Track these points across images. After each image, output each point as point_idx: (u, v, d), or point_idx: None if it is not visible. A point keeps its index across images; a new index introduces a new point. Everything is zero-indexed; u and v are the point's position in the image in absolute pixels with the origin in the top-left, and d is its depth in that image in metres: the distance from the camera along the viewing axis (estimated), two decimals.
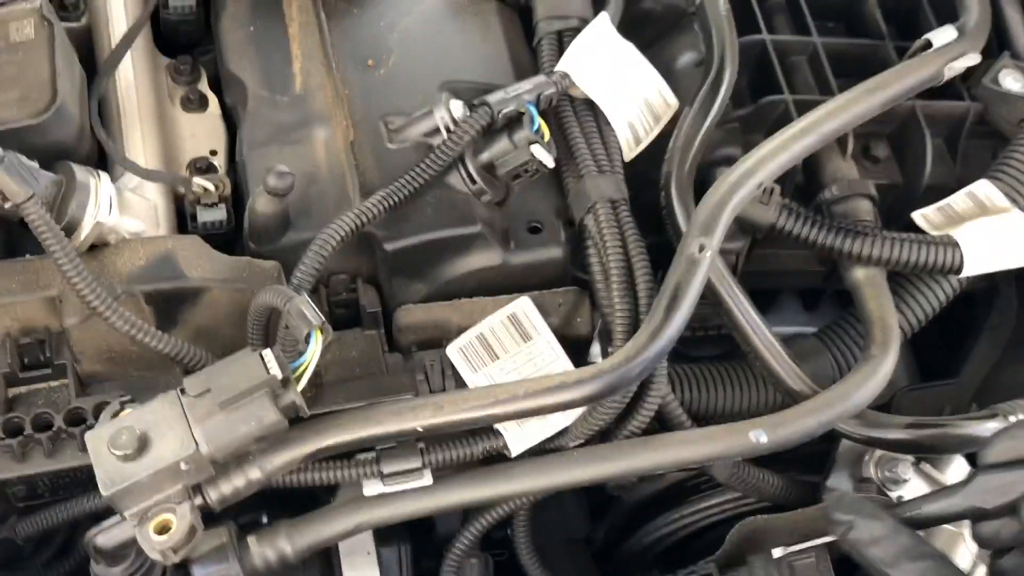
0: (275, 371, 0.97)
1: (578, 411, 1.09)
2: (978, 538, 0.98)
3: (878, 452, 1.19)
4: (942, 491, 1.01)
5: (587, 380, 1.03)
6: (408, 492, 1.07)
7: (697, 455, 1.09)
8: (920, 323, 1.24)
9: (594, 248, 1.12)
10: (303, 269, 1.04)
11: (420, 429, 1.02)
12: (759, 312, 1.17)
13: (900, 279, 1.24)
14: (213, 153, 1.17)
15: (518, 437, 1.08)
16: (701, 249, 1.07)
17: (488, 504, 1.13)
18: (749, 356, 1.16)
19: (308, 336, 0.98)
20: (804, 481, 1.23)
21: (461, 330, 1.12)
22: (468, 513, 1.17)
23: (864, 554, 0.97)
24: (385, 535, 1.22)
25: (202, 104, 1.20)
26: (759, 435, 1.09)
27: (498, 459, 1.10)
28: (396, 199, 1.08)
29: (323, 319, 0.98)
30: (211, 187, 1.11)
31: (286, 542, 1.05)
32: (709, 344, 1.27)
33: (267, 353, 0.97)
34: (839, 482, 1.20)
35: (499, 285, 1.13)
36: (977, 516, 0.97)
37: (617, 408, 1.09)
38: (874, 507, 0.99)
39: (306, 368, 0.98)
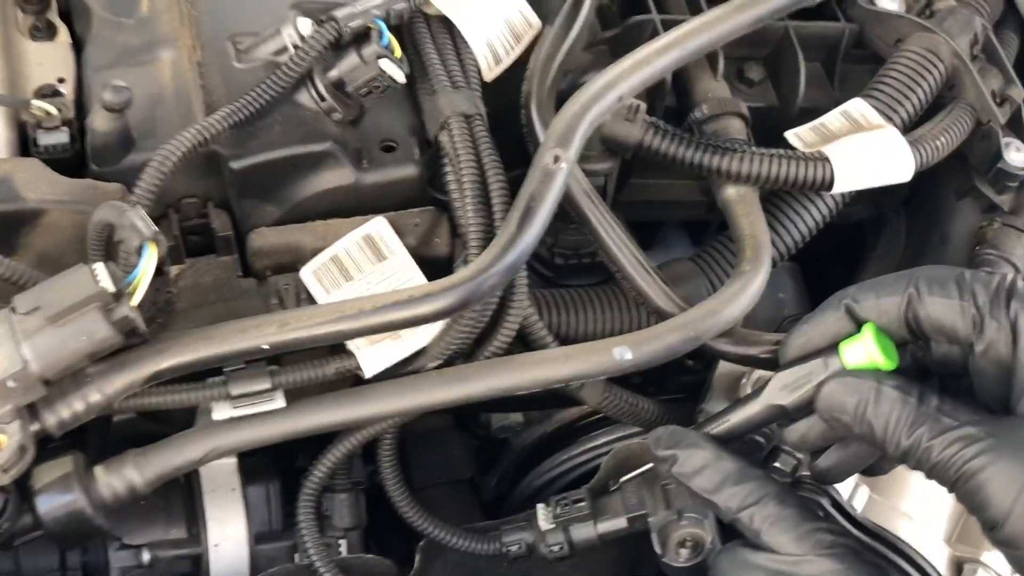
0: (106, 284, 0.94)
1: (435, 331, 1.07)
2: (789, 444, 0.96)
3: (756, 374, 1.16)
4: (744, 398, 0.98)
5: (437, 294, 1.00)
6: (260, 416, 1.04)
7: (559, 374, 1.06)
8: (796, 244, 1.22)
9: (450, 166, 1.10)
10: (142, 186, 1.01)
11: (266, 347, 0.99)
12: (629, 233, 1.14)
13: (775, 201, 1.22)
14: (61, 81, 1.13)
15: (371, 358, 1.05)
16: (556, 160, 1.05)
17: (347, 429, 1.10)
18: (617, 276, 1.14)
19: (142, 249, 0.95)
20: (682, 406, 1.21)
21: (316, 252, 1.09)
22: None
23: (690, 485, 0.94)
24: (253, 472, 1.19)
25: (51, 33, 1.17)
26: (623, 352, 1.06)
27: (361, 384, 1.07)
28: (241, 116, 1.05)
29: (156, 230, 0.95)
30: (52, 110, 1.07)
31: (134, 471, 1.02)
32: (584, 273, 1.24)
33: (98, 266, 0.94)
34: (716, 406, 1.17)
35: (354, 206, 1.10)
36: (782, 418, 0.95)
37: (474, 326, 1.06)
38: (695, 436, 0.96)
39: (139, 282, 0.95)
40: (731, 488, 0.92)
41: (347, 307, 1.00)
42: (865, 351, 0.89)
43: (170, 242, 1.08)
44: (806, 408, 0.93)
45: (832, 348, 0.92)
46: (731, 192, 1.16)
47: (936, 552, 1.17)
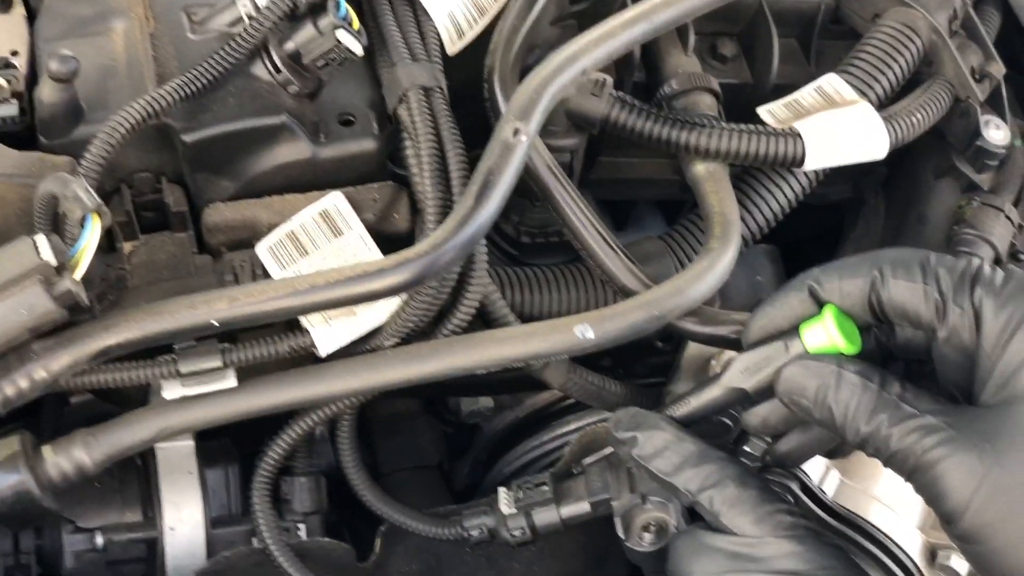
0: (48, 257, 0.91)
1: (392, 308, 1.04)
2: (750, 429, 0.93)
3: (725, 355, 1.14)
4: (706, 381, 0.95)
5: (390, 269, 0.97)
6: (211, 395, 1.01)
7: (518, 352, 1.03)
8: (768, 223, 1.19)
9: (409, 140, 1.07)
10: (89, 158, 0.98)
11: (215, 323, 0.97)
12: (595, 210, 1.12)
13: (746, 179, 1.19)
14: (14, 54, 1.11)
15: (326, 336, 1.03)
16: (516, 133, 1.02)
17: (302, 408, 1.07)
18: (582, 254, 1.11)
19: (85, 221, 0.93)
20: (652, 389, 1.18)
21: (272, 228, 1.06)
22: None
23: (649, 468, 0.92)
24: (212, 455, 1.17)
25: (5, 6, 1.14)
26: (584, 330, 1.04)
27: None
28: (193, 88, 1.02)
29: (100, 202, 0.93)
30: (3, 83, 1.05)
31: (83, 451, 0.99)
32: (551, 252, 1.22)
33: (39, 238, 0.92)
34: (685, 388, 1.14)
35: (311, 181, 1.08)
36: (744, 401, 0.92)
37: (432, 302, 1.04)
38: (656, 418, 0.94)
39: (83, 254, 0.93)
40: (691, 470, 0.90)
41: (299, 283, 0.97)
42: (826, 334, 0.86)
43: (122, 218, 1.06)
44: (767, 392, 0.91)
45: (794, 330, 0.89)
46: (700, 169, 1.14)
47: (909, 539, 1.15)
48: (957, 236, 1.23)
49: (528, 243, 1.22)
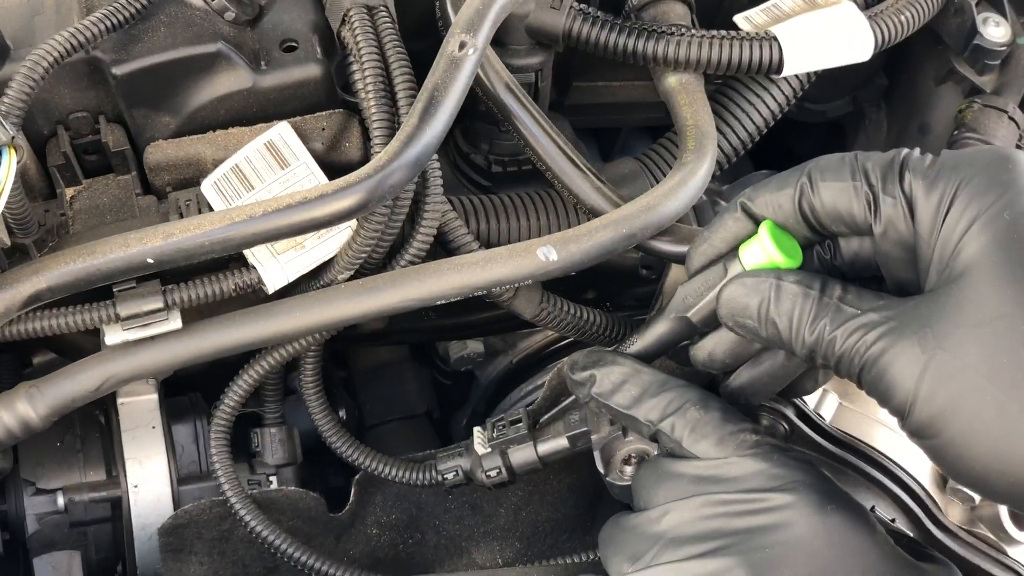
0: None
1: (343, 240, 0.99)
2: (698, 364, 0.88)
3: None
4: (652, 316, 0.90)
5: (332, 194, 0.92)
6: (157, 339, 0.97)
7: (478, 279, 0.97)
8: (751, 137, 1.12)
9: (355, 63, 1.01)
10: (11, 95, 0.93)
11: (151, 261, 0.91)
12: (560, 131, 1.05)
13: (724, 91, 1.12)
14: None
15: (274, 271, 0.98)
16: (463, 47, 0.96)
17: (256, 349, 1.02)
18: (547, 176, 1.05)
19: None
20: (628, 318, 1.11)
21: (217, 164, 1.01)
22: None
23: (609, 405, 0.87)
24: (180, 410, 1.12)
25: None
26: (547, 252, 0.98)
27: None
28: (120, 17, 0.97)
29: (13, 136, 0.88)
30: None
31: (27, 405, 0.95)
32: (525, 181, 1.15)
33: None
34: None
35: (256, 112, 1.02)
36: (692, 333, 0.88)
37: (384, 230, 0.98)
38: (612, 355, 0.89)
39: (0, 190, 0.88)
40: (651, 400, 0.85)
41: (236, 213, 0.92)
42: (763, 250, 0.81)
43: (61, 161, 1.01)
44: (713, 321, 0.86)
45: (733, 252, 0.84)
46: (672, 81, 1.07)
47: (918, 463, 1.08)
48: (958, 142, 1.15)
49: (500, 172, 1.16)
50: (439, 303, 0.98)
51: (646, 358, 0.90)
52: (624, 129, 1.32)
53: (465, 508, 1.12)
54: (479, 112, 1.13)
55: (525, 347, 1.30)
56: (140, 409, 1.09)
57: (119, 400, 1.09)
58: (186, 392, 1.15)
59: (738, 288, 0.80)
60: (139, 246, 0.91)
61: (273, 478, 1.10)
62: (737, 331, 0.82)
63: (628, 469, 0.97)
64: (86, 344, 1.05)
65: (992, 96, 1.17)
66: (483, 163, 1.16)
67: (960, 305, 0.71)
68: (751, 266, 0.82)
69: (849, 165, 0.78)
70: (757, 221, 0.82)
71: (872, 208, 0.76)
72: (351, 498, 1.09)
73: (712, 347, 0.86)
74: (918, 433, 0.72)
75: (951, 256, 0.73)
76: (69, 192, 1.03)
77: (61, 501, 1.06)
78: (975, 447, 0.70)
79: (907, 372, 0.71)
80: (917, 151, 0.77)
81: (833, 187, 0.78)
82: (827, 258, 0.82)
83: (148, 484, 1.07)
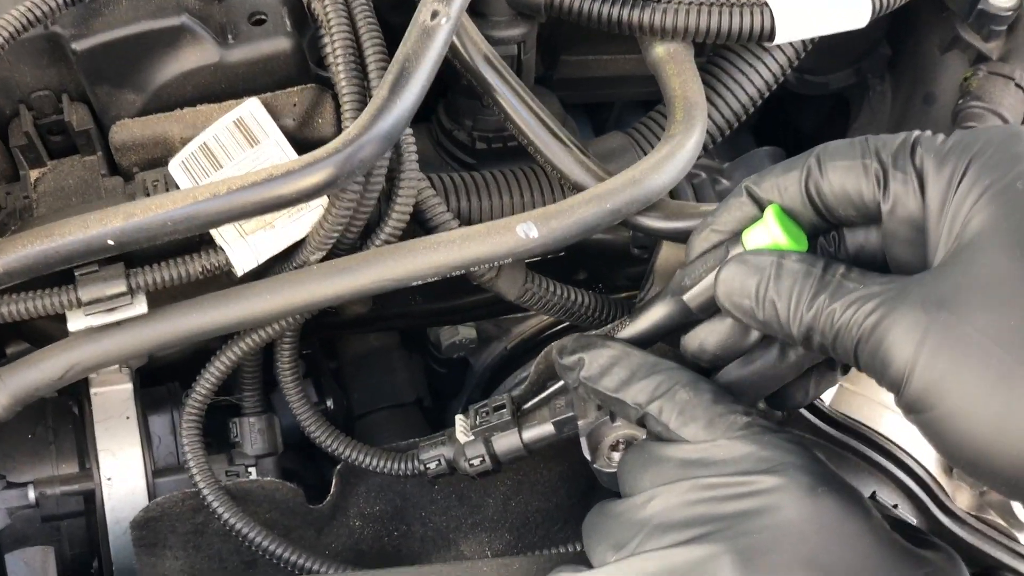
0: None
1: (314, 219, 0.95)
2: (689, 354, 0.83)
3: None
4: (650, 300, 0.86)
5: (299, 170, 0.88)
6: (122, 324, 0.93)
7: (456, 258, 0.93)
8: (744, 109, 1.08)
9: (327, 36, 0.97)
10: None
11: (111, 243, 0.88)
12: (543, 106, 1.01)
13: (715, 62, 1.08)
14: None
15: (243, 252, 0.94)
16: (435, 15, 0.92)
17: (228, 335, 0.98)
18: (529, 151, 1.01)
19: None
20: (620, 299, 1.07)
21: (185, 143, 0.97)
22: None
23: (597, 389, 0.83)
24: (156, 400, 1.09)
25: None
26: (528, 229, 0.93)
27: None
28: None
29: None
30: None
31: None
32: (510, 158, 1.11)
33: None
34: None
35: (224, 88, 0.98)
36: (689, 319, 0.83)
37: (357, 208, 0.94)
38: (600, 339, 0.85)
39: None
40: (639, 383, 0.81)
41: (199, 192, 0.88)
42: (768, 233, 0.77)
43: (23, 141, 0.97)
44: (710, 306, 0.82)
45: (736, 237, 0.80)
46: (660, 51, 1.03)
47: (924, 447, 1.03)
48: (962, 110, 1.10)
49: (484, 150, 1.11)
50: (416, 283, 0.94)
51: (639, 344, 0.86)
52: (617, 104, 1.28)
53: (452, 498, 1.07)
54: (461, 87, 1.09)
55: (519, 333, 1.26)
56: (114, 399, 1.05)
57: (92, 390, 1.05)
58: (164, 382, 1.11)
59: (738, 266, 0.76)
60: (99, 227, 0.87)
61: (252, 469, 1.06)
62: (734, 314, 0.78)
63: (616, 455, 0.93)
64: (56, 332, 1.01)
65: (998, 63, 1.12)
66: (467, 140, 1.12)
67: (967, 269, 0.67)
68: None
69: (859, 146, 0.75)
70: (762, 207, 0.79)
71: (881, 185, 0.73)
72: (332, 489, 1.05)
73: (704, 336, 0.82)
74: (915, 406, 0.67)
75: (961, 229, 0.69)
76: (34, 174, 0.99)
77: (32, 495, 1.03)
78: (976, 417, 0.64)
79: (907, 337, 0.66)
80: (929, 132, 0.74)
81: (841, 166, 0.74)
82: (831, 250, 0.79)
83: (122, 476, 1.03)
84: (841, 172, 0.75)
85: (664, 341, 0.89)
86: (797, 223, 0.78)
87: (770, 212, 0.77)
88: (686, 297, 0.83)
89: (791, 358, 0.81)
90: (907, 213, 0.73)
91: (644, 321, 0.87)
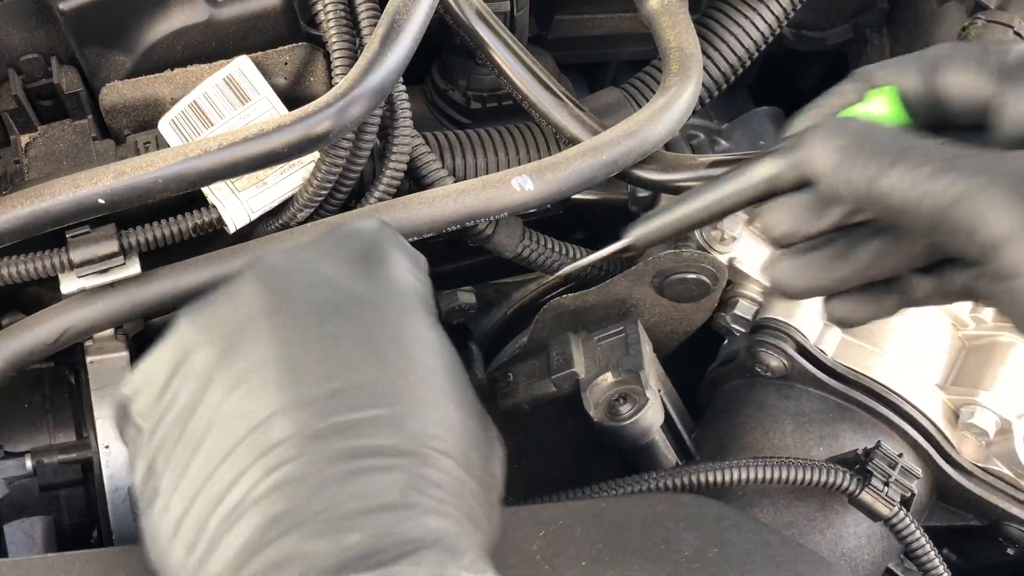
0: None
1: (304, 175, 0.94)
2: (764, 225, 0.73)
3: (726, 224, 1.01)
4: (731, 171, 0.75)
5: (290, 124, 0.87)
6: (115, 285, 0.92)
7: (449, 213, 0.93)
8: (741, 61, 1.07)
9: None
10: None
11: (102, 201, 0.87)
12: (536, 61, 1.00)
13: (711, 14, 1.07)
14: None
15: (235, 209, 0.93)
16: None
17: None
18: (524, 106, 1.00)
19: None
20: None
21: (176, 103, 0.96)
22: None
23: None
24: None
25: None
26: (523, 182, 0.93)
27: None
28: None
29: None
30: None
31: None
32: (506, 117, 1.10)
33: None
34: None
35: (215, 48, 0.97)
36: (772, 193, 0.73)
37: (348, 164, 0.93)
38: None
39: None
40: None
41: (190, 149, 0.87)
42: (875, 110, 0.71)
43: (12, 106, 0.97)
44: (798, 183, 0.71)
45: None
46: (654, 3, 1.02)
47: (928, 398, 1.02)
48: None
49: (479, 109, 1.10)
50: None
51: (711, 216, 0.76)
52: (613, 65, 1.27)
53: None
54: (455, 46, 1.08)
55: (519, 297, 1.24)
56: (110, 367, 1.03)
57: (88, 358, 1.04)
58: None
59: (830, 126, 0.69)
60: (89, 187, 0.87)
61: None
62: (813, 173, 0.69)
63: (619, 409, 0.93)
64: (50, 300, 1.00)
65: (996, 11, 1.10)
66: (461, 100, 1.10)
67: None
68: None
69: (983, 45, 0.72)
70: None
71: (1002, 71, 0.68)
72: None
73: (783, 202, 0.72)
74: (1005, 272, 0.61)
75: None
76: (24, 139, 0.98)
77: (30, 464, 1.01)
78: None
79: (1009, 201, 0.61)
80: None
81: (963, 56, 0.70)
82: None
83: (120, 444, 1.02)
84: (961, 62, 0.69)
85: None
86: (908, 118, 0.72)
87: (885, 93, 0.71)
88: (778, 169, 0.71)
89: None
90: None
91: (730, 187, 0.73)
